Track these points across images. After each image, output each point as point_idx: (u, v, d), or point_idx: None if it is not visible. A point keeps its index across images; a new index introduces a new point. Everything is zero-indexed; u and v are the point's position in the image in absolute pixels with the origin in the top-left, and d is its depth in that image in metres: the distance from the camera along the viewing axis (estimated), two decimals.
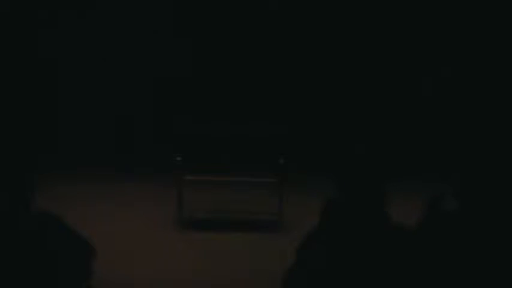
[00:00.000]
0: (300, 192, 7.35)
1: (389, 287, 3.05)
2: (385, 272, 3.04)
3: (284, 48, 9.02)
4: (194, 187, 6.89)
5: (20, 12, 8.80)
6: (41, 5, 8.82)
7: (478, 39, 8.65)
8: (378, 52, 8.87)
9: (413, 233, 3.17)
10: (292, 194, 6.72)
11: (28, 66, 8.97)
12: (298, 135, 8.61)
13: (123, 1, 8.95)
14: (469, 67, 8.66)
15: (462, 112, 8.81)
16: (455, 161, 7.82)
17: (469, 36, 8.67)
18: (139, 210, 7.07)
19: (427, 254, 3.15)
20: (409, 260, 3.09)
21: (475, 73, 8.67)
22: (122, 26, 8.98)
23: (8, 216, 3.54)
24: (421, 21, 8.78)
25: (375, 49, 8.87)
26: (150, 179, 8.24)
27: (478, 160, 3.20)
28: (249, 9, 8.91)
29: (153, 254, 5.77)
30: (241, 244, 6.11)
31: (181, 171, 6.71)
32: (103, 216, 6.82)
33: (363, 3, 8.85)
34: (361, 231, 3.08)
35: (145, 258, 5.64)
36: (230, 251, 5.90)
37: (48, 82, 9.05)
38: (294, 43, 9.02)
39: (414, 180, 7.98)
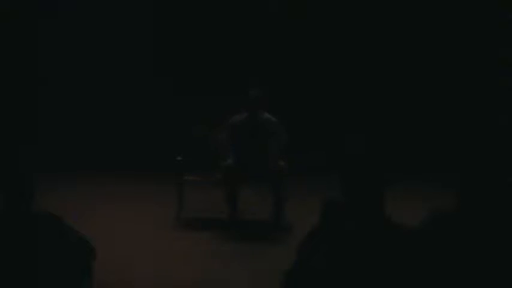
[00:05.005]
0: (300, 192, 7.36)
1: (389, 287, 3.05)
2: (384, 272, 3.04)
3: (284, 47, 9.04)
4: (194, 187, 6.90)
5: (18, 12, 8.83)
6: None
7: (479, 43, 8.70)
8: (377, 52, 8.89)
9: (412, 234, 3.17)
10: (292, 194, 6.71)
11: (27, 67, 9.00)
12: (299, 135, 8.63)
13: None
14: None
15: (461, 113, 8.83)
16: (456, 161, 7.84)
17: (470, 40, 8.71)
18: (139, 210, 7.08)
19: (427, 254, 3.16)
20: (409, 260, 3.10)
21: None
22: (122, 27, 9.00)
23: (8, 216, 3.54)
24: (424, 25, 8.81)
25: (373, 49, 8.89)
26: (150, 179, 8.26)
27: (478, 160, 3.20)
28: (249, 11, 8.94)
29: (153, 253, 5.77)
30: (241, 244, 6.11)
31: (181, 171, 6.72)
32: (103, 216, 6.83)
33: (359, 6, 8.91)
34: (361, 232, 3.09)
35: (145, 258, 5.64)
36: (230, 251, 5.90)
37: (48, 83, 9.07)
38: (294, 42, 9.04)
39: (414, 180, 8.00)
